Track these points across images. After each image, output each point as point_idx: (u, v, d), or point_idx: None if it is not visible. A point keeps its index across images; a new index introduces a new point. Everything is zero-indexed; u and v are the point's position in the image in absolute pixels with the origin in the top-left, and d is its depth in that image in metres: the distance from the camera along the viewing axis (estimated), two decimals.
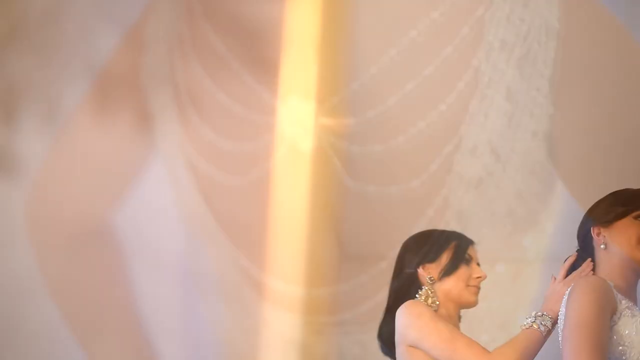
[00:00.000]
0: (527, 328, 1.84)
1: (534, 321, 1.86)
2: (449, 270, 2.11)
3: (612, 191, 2.14)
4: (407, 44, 3.19)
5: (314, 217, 1.04)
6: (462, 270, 2.14)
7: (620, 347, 1.67)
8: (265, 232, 1.05)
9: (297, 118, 1.05)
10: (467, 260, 2.16)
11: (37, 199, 1.10)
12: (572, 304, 1.69)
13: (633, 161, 3.46)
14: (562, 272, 1.98)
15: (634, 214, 1.84)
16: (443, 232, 2.24)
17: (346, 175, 3.15)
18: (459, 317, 2.18)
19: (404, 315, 1.99)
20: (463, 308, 2.14)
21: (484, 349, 1.78)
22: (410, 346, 1.89)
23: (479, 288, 2.16)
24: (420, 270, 2.14)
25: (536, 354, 1.80)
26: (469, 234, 2.47)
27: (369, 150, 3.89)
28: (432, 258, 2.15)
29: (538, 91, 3.38)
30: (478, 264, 2.22)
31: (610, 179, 3.41)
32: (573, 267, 2.00)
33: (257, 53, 1.10)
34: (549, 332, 1.87)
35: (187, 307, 1.03)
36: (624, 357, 1.64)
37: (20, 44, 1.05)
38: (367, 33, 3.15)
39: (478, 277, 2.16)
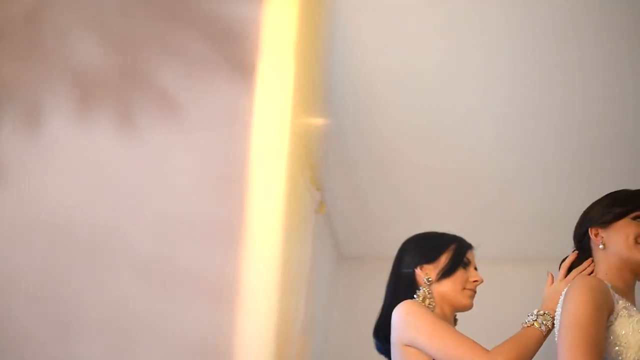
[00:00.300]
0: (528, 326, 1.86)
1: (535, 319, 1.87)
2: (447, 272, 2.13)
3: (603, 191, 2.15)
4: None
5: (289, 218, 1.06)
6: (460, 273, 2.16)
7: (617, 348, 1.68)
8: (240, 232, 1.07)
9: (273, 119, 1.06)
10: (465, 264, 2.18)
11: (16, 200, 1.12)
12: (568, 303, 1.70)
13: (627, 161, 3.46)
14: (562, 271, 1.99)
15: (632, 214, 1.85)
16: (443, 234, 2.26)
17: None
18: (455, 320, 2.19)
19: (400, 314, 2.01)
20: (458, 311, 2.15)
21: (482, 347, 1.79)
22: (406, 345, 1.91)
23: (474, 292, 2.18)
24: (418, 271, 2.17)
25: (536, 352, 1.80)
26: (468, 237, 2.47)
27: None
28: (430, 259, 2.17)
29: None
30: (475, 268, 2.24)
31: (602, 178, 3.42)
32: (572, 267, 2.02)
33: (235, 54, 1.12)
34: (549, 331, 1.88)
35: (163, 306, 1.05)
36: (620, 358, 1.65)
37: (0, 47, 1.08)
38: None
39: (475, 281, 2.18)
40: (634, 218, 1.86)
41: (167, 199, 1.08)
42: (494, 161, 3.71)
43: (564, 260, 2.05)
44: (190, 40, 1.12)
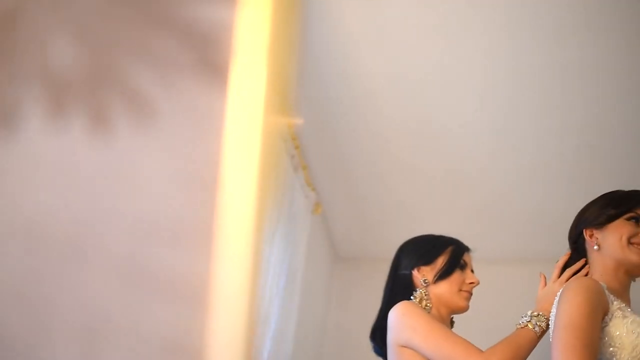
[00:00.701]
0: (521, 327, 1.86)
1: (529, 321, 1.87)
2: (443, 274, 2.14)
3: (602, 192, 2.15)
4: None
5: (261, 218, 1.06)
6: (456, 275, 2.17)
7: (611, 349, 1.68)
8: (212, 233, 1.07)
9: (246, 121, 1.07)
10: (462, 266, 2.20)
11: None
12: (563, 304, 1.70)
13: (626, 161, 3.44)
14: (556, 271, 1.99)
15: (626, 215, 1.85)
16: (440, 237, 2.27)
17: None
18: (452, 322, 2.19)
19: (396, 315, 2.02)
20: (454, 313, 2.16)
21: (476, 348, 1.79)
22: (402, 346, 1.92)
23: (471, 294, 2.19)
24: (415, 273, 2.18)
25: (529, 353, 1.81)
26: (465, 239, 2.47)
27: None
28: (427, 261, 2.18)
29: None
30: (472, 270, 2.24)
31: (601, 178, 3.40)
32: (565, 267, 2.01)
33: (208, 57, 1.12)
34: (543, 332, 1.88)
35: (136, 307, 1.06)
36: (614, 358, 1.65)
37: None
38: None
39: (471, 283, 2.19)
40: (628, 219, 1.86)
41: (141, 200, 1.09)
42: (491, 162, 3.71)
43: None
44: (165, 42, 1.13)
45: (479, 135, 3.61)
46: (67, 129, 1.11)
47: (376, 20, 3.01)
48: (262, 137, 1.05)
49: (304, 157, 3.76)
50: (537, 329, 1.84)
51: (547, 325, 1.89)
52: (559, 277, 1.95)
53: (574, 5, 2.83)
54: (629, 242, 1.84)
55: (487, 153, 3.66)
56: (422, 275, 2.09)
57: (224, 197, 1.06)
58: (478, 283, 2.14)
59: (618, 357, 1.67)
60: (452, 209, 4.04)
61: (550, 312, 1.88)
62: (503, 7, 2.83)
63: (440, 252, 2.15)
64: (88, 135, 1.10)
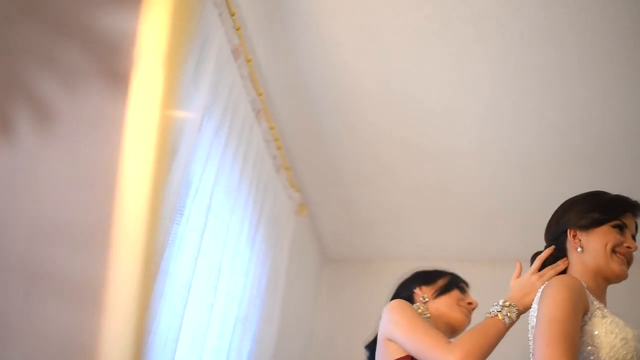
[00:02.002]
0: (491, 317, 1.87)
1: (500, 310, 1.88)
2: (443, 291, 2.21)
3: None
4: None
5: (152, 222, 1.09)
6: (455, 293, 2.23)
7: (589, 347, 1.69)
8: (108, 235, 1.10)
9: (144, 126, 1.10)
10: (462, 289, 2.26)
11: None
12: (545, 300, 1.71)
13: (627, 162, 3.40)
14: (537, 263, 2.00)
15: (613, 222, 1.85)
16: (445, 270, 2.34)
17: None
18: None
19: (386, 311, 2.10)
20: (452, 327, 2.18)
21: (447, 339, 1.83)
22: (388, 339, 1.98)
23: (470, 311, 2.23)
24: (417, 291, 2.26)
25: (497, 343, 1.83)
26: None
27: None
28: (428, 282, 2.26)
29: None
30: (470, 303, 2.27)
31: (579, 181, 3.37)
32: (545, 263, 2.01)
33: (110, 64, 1.15)
34: (512, 323, 1.88)
35: (30, 308, 1.09)
36: (591, 357, 1.66)
37: None
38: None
39: (470, 303, 2.24)
40: (614, 226, 1.86)
41: (39, 202, 1.12)
42: (477, 164, 3.69)
43: (536, 254, 2.05)
44: (69, 50, 1.16)
45: (464, 138, 3.60)
46: None
47: (361, 26, 3.03)
48: (157, 142, 1.07)
49: (292, 159, 3.78)
50: (506, 320, 1.86)
51: (517, 316, 1.90)
52: (539, 270, 1.96)
53: (554, 7, 2.82)
54: (613, 251, 1.85)
55: (472, 155, 3.65)
56: (422, 292, 2.21)
57: (121, 200, 1.09)
58: (477, 305, 2.22)
59: (595, 356, 1.67)
60: (438, 210, 4.04)
61: (523, 303, 1.89)
62: (488, 9, 2.82)
63: (442, 276, 2.26)
64: None
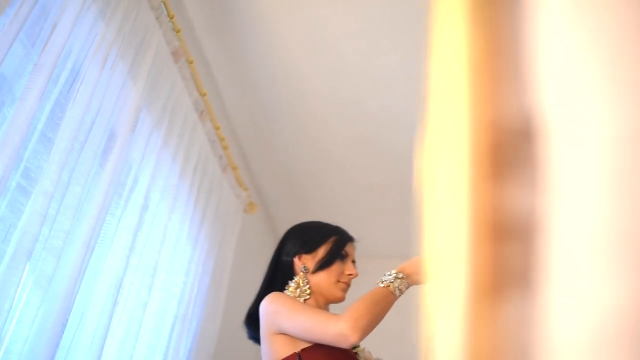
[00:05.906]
0: (383, 287, 1.90)
1: (392, 282, 1.91)
2: (323, 265, 2.19)
3: None
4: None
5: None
6: (336, 266, 2.22)
7: None
8: None
9: None
10: (343, 257, 2.24)
11: None
12: None
13: None
14: None
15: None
16: (326, 225, 2.32)
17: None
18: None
19: (264, 306, 2.08)
20: (331, 302, 2.20)
21: (333, 315, 1.83)
22: (275, 334, 1.97)
23: (348, 285, 2.23)
24: (296, 260, 2.24)
25: (386, 311, 1.84)
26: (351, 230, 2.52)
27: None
28: (309, 249, 2.24)
29: None
30: (354, 261, 2.29)
31: None
32: None
33: None
34: (401, 294, 1.90)
35: None
36: None
37: None
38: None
39: (349, 275, 2.23)
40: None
41: None
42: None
43: None
44: None
45: (414, 133, 3.65)
46: None
47: (309, 24, 3.07)
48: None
49: (244, 159, 3.83)
50: (397, 292, 1.86)
51: (406, 288, 1.90)
52: None
53: None
54: None
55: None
56: (302, 262, 2.16)
57: None
58: (357, 275, 2.18)
59: None
60: (390, 207, 4.09)
61: (412, 279, 1.90)
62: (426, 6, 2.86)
63: (323, 242, 2.20)
64: None
